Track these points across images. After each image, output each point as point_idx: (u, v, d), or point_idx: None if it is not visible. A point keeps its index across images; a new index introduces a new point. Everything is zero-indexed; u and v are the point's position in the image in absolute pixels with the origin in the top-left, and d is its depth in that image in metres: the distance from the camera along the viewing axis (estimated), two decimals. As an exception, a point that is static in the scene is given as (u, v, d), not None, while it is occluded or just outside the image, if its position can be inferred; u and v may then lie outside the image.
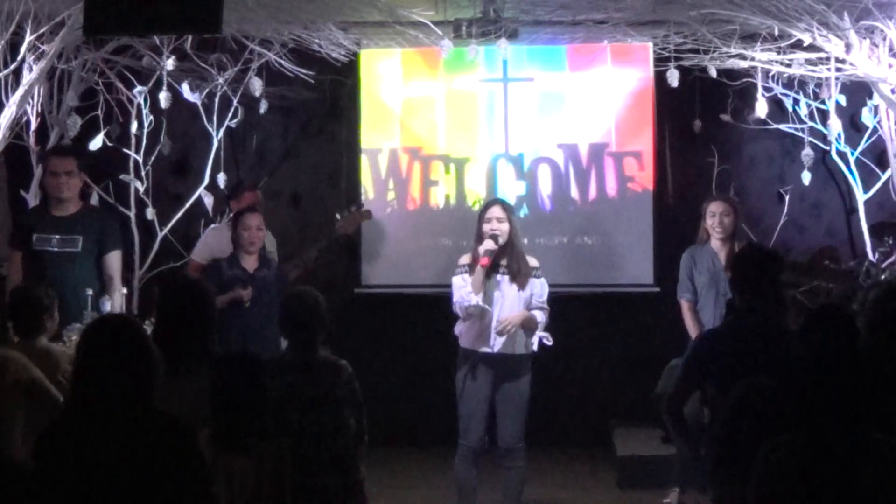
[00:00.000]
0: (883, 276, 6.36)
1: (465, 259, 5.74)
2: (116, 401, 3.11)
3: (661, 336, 7.30)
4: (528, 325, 5.67)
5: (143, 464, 3.06)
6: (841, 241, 7.78)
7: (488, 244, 5.61)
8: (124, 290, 6.04)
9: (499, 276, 5.67)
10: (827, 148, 7.56)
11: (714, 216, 6.35)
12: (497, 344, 5.63)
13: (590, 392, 7.84)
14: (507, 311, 5.61)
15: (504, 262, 5.68)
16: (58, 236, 6.02)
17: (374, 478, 4.92)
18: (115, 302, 6.05)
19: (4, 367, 4.54)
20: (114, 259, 6.20)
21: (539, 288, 5.73)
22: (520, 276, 5.66)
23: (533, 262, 5.76)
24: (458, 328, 5.77)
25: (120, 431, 3.08)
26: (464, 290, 5.62)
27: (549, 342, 5.76)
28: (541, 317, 5.69)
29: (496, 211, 5.73)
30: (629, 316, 7.84)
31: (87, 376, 3.16)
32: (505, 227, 5.67)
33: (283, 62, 7.09)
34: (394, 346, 7.89)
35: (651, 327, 7.65)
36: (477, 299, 5.57)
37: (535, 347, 5.73)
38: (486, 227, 5.67)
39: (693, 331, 6.29)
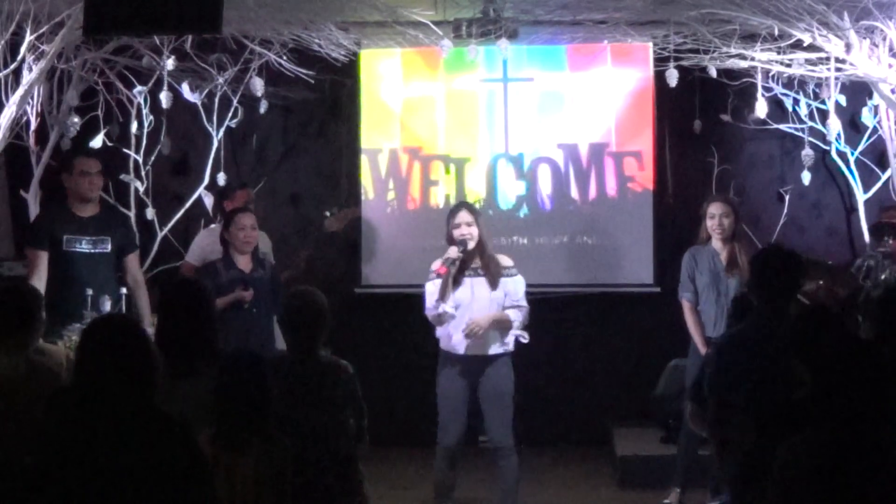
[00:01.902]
0: (883, 276, 6.37)
1: (437, 264, 5.76)
2: (116, 401, 3.11)
3: (661, 336, 7.29)
4: (501, 326, 5.70)
5: (143, 464, 3.06)
6: (841, 241, 7.78)
7: (451, 252, 5.66)
8: (124, 290, 6.03)
9: (470, 279, 5.71)
10: (827, 148, 7.56)
11: (714, 217, 6.33)
12: (467, 346, 5.68)
13: (590, 392, 7.84)
14: (478, 312, 5.65)
15: (475, 264, 5.73)
16: (88, 237, 5.93)
17: (374, 478, 4.92)
18: (143, 303, 6.01)
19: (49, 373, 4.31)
20: (135, 260, 6.19)
21: (513, 286, 5.75)
22: (491, 277, 5.70)
23: (506, 261, 5.80)
24: (439, 330, 5.81)
25: (120, 431, 3.08)
26: (434, 296, 5.67)
27: (524, 340, 5.80)
28: (515, 315, 5.72)
29: (464, 216, 5.77)
30: (629, 316, 7.83)
31: (87, 376, 3.16)
32: (474, 230, 5.72)
33: (283, 62, 7.09)
34: (394, 346, 7.88)
35: (651, 327, 7.64)
36: (444, 306, 5.61)
37: (511, 346, 5.76)
38: (456, 233, 5.72)
39: (694, 331, 6.28)
